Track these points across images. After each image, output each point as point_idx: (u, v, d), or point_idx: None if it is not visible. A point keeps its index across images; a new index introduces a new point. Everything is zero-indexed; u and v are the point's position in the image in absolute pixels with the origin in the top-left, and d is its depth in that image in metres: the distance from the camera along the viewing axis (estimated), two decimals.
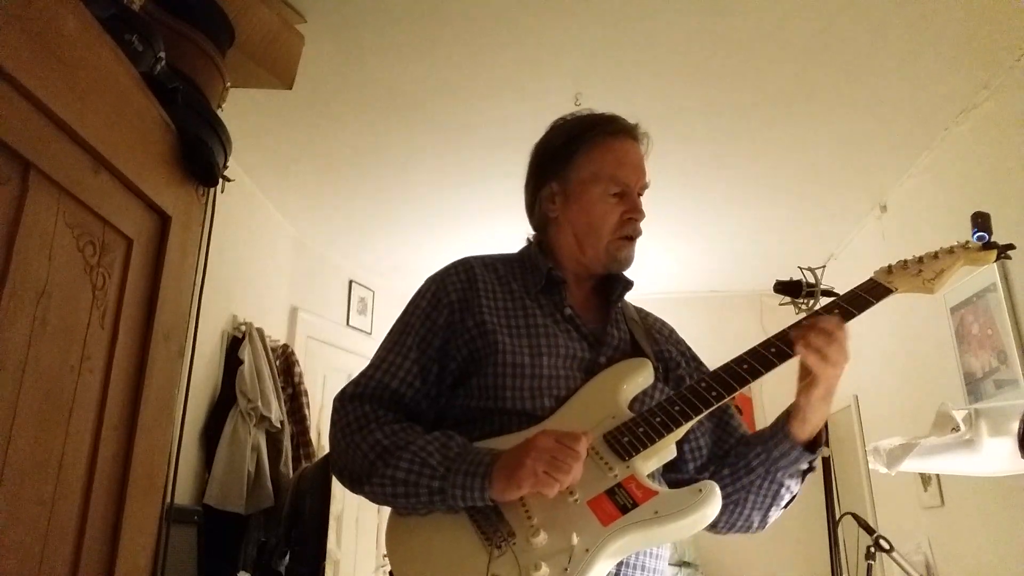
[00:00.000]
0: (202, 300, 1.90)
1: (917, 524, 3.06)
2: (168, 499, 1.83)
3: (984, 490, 2.55)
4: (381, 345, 1.18)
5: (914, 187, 3.07)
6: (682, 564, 3.97)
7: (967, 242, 1.19)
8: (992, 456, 1.82)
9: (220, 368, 2.93)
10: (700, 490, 0.93)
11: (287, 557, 2.73)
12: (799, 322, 1.09)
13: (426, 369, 1.14)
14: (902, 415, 3.21)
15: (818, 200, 3.42)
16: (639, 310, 1.33)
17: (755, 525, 1.18)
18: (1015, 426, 1.70)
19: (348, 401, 1.12)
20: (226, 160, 1.76)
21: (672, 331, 1.34)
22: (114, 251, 1.30)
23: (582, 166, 1.22)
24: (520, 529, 0.94)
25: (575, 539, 0.90)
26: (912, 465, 2.07)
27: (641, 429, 1.01)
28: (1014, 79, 2.39)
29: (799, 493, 1.17)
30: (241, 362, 2.88)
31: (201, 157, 1.57)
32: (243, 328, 3.02)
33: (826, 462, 2.01)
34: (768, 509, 1.15)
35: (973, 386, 2.59)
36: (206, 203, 1.74)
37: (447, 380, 1.15)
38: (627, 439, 1.01)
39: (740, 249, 4.02)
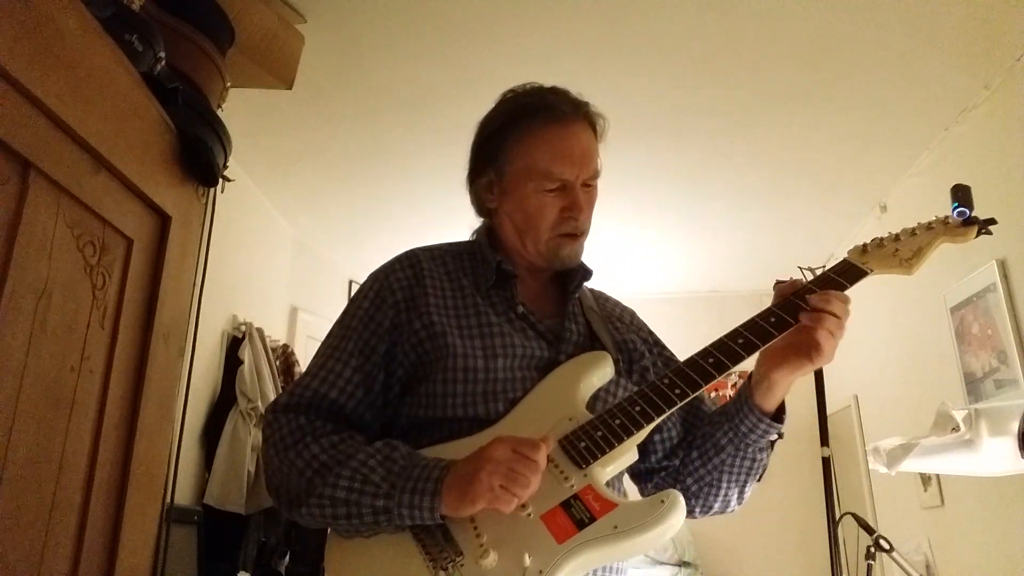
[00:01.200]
0: (202, 300, 1.90)
1: (917, 524, 3.06)
2: (168, 499, 1.83)
3: (984, 490, 2.55)
4: (318, 351, 1.07)
5: (914, 187, 3.07)
6: (682, 564, 3.96)
7: (947, 217, 1.11)
8: (992, 456, 1.82)
9: (220, 368, 2.93)
10: (662, 501, 0.86)
11: (287, 557, 2.73)
12: (777, 304, 1.02)
13: (370, 377, 1.03)
14: (902, 415, 3.20)
15: (818, 200, 3.42)
16: (598, 296, 1.25)
17: (732, 503, 1.12)
18: (1015, 426, 1.69)
19: (281, 413, 1.01)
20: (226, 160, 1.76)
21: (633, 316, 1.26)
22: (114, 251, 1.30)
23: (515, 157, 1.10)
24: (468, 549, 0.86)
25: (527, 560, 0.84)
26: (912, 465, 2.07)
27: (599, 433, 0.93)
28: (1014, 79, 2.39)
29: (768, 463, 1.12)
30: (241, 362, 2.88)
31: (201, 157, 1.57)
32: (243, 328, 3.02)
33: (826, 462, 2.02)
34: (744, 485, 1.10)
35: (973, 386, 2.59)
36: (206, 203, 1.74)
37: (394, 388, 1.05)
38: (584, 444, 0.93)
39: (740, 249, 4.02)
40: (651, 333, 1.25)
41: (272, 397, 2.95)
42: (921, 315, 2.97)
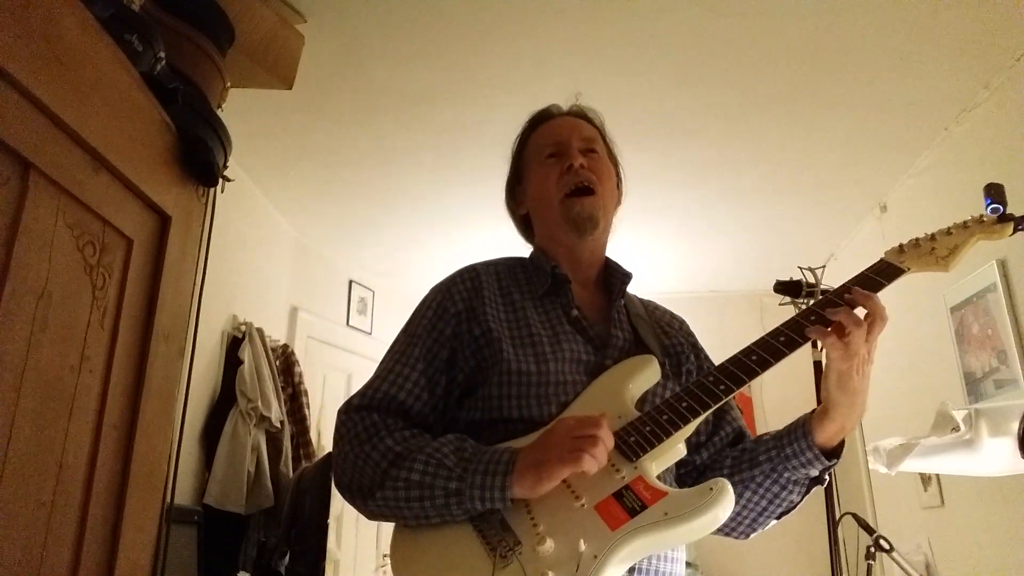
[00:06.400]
0: (202, 300, 1.90)
1: (917, 524, 3.06)
2: (168, 499, 1.82)
3: (984, 490, 2.55)
4: (385, 356, 1.15)
5: (914, 187, 3.07)
6: None
7: (981, 215, 1.12)
8: (992, 456, 1.82)
9: (220, 368, 2.93)
10: (711, 488, 0.89)
11: (287, 557, 2.73)
12: (819, 302, 1.03)
13: (433, 381, 1.10)
14: (902, 415, 3.20)
15: (818, 200, 3.42)
16: (648, 304, 1.30)
17: (741, 528, 1.13)
18: (1015, 426, 1.69)
19: (354, 412, 1.08)
20: (226, 160, 1.76)
21: (683, 323, 1.32)
22: (114, 251, 1.30)
23: (526, 157, 1.28)
24: (526, 537, 0.90)
25: (583, 545, 0.87)
26: (912, 465, 2.06)
27: (648, 428, 0.97)
28: (1014, 79, 2.39)
29: (798, 505, 1.11)
30: (241, 362, 2.88)
31: (201, 157, 1.57)
32: (243, 328, 3.02)
33: None
34: (761, 513, 1.10)
35: (973, 386, 2.59)
36: (206, 203, 1.73)
37: (454, 392, 1.11)
38: (634, 439, 0.97)
39: (740, 249, 4.02)
40: (697, 341, 1.29)
41: (272, 397, 2.95)
42: (921, 315, 2.97)
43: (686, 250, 4.06)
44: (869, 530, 2.11)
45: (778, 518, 1.12)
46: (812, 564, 4.02)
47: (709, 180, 3.26)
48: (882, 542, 2.07)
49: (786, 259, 3.63)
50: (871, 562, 2.08)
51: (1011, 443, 1.71)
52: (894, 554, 2.06)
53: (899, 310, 3.28)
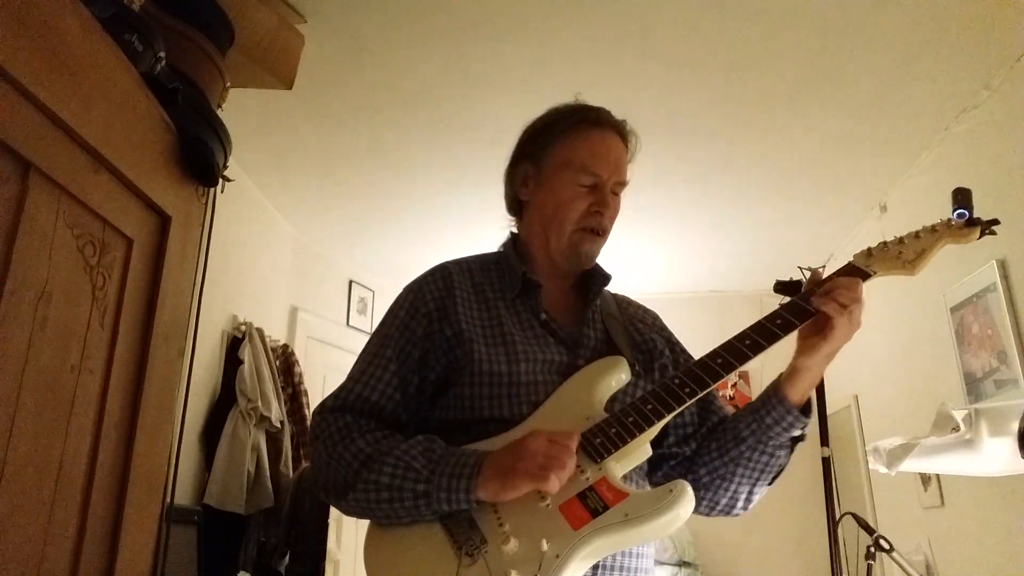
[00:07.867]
0: (202, 300, 1.90)
1: (917, 524, 3.06)
2: (168, 499, 1.83)
3: (984, 490, 2.55)
4: (359, 358, 1.16)
5: (914, 187, 3.07)
6: (682, 564, 3.96)
7: (949, 220, 1.15)
8: (992, 456, 1.82)
9: (220, 368, 2.93)
10: (671, 490, 0.91)
11: (287, 557, 2.73)
12: (812, 289, 1.07)
13: (406, 381, 1.12)
14: (902, 415, 3.20)
15: (818, 200, 3.42)
16: (620, 301, 1.30)
17: (740, 503, 1.16)
18: (1015, 426, 1.70)
19: (328, 414, 1.09)
20: (226, 160, 1.76)
21: (656, 318, 1.32)
22: (114, 251, 1.30)
23: (557, 151, 1.21)
24: (492, 536, 0.93)
25: (545, 545, 0.90)
26: (912, 465, 2.06)
27: (613, 430, 0.99)
28: (1014, 79, 2.39)
29: (786, 465, 1.14)
30: (241, 362, 2.88)
31: (201, 157, 1.57)
32: (243, 328, 3.02)
33: (826, 462, 2.02)
34: (755, 483, 1.13)
35: (973, 386, 2.59)
36: (206, 203, 1.73)
37: (427, 391, 1.13)
38: (599, 440, 0.99)
39: (740, 249, 4.02)
40: (673, 336, 1.30)
41: (272, 397, 2.96)
42: (921, 315, 2.97)
43: (686, 250, 4.06)
44: (869, 530, 2.11)
45: (771, 483, 1.15)
46: (812, 564, 4.02)
47: (709, 180, 3.26)
48: (882, 542, 2.07)
49: (786, 259, 3.63)
50: (871, 562, 2.08)
51: (1011, 443, 1.71)
52: (894, 554, 2.05)
53: (899, 310, 3.29)
